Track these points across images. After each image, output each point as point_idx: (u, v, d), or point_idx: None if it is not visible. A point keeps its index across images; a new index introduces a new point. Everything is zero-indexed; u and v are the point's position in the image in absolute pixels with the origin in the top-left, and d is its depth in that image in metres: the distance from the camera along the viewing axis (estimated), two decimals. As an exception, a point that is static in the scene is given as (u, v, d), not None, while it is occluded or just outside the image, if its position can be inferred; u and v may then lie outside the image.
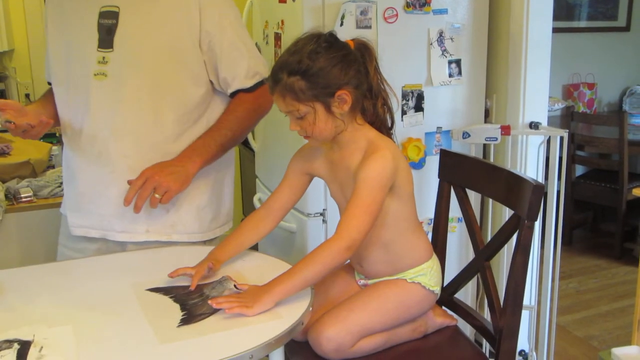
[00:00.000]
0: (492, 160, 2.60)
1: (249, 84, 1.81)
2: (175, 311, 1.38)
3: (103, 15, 1.73)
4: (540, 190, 1.52)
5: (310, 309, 1.40)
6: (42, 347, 1.21)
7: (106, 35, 1.71)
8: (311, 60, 1.46)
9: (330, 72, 1.47)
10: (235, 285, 1.46)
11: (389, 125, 1.63)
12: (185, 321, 1.34)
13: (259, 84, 1.82)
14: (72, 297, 1.48)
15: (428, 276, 1.67)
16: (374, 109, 1.58)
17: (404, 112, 2.42)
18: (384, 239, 1.64)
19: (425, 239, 1.72)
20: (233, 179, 1.98)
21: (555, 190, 2.46)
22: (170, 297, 1.45)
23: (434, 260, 1.71)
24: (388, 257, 1.66)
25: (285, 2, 2.40)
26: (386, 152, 1.52)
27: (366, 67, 1.54)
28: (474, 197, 2.26)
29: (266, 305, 1.37)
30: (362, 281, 1.73)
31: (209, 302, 1.38)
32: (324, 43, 1.49)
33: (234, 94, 1.83)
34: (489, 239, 2.20)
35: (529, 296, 2.61)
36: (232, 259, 1.65)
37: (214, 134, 1.80)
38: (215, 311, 1.37)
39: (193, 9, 1.73)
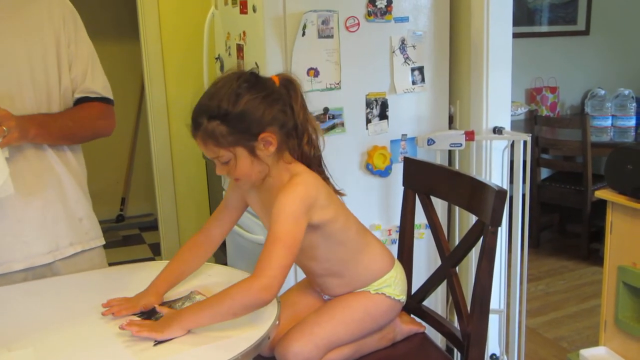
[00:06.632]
0: (457, 166, 2.61)
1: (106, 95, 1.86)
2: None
3: None
4: (502, 196, 1.52)
5: (277, 322, 1.39)
6: (0, 373, 1.18)
7: None
8: (231, 103, 1.39)
9: (252, 115, 1.40)
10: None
11: (318, 161, 1.57)
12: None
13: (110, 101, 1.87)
14: (33, 320, 1.44)
15: (392, 286, 1.66)
16: (300, 147, 1.51)
17: (368, 121, 2.42)
18: (333, 269, 1.62)
19: (381, 251, 1.69)
20: None
21: (520, 193, 2.48)
22: (138, 315, 1.43)
23: (397, 269, 1.70)
24: (345, 280, 1.65)
25: (246, 13, 2.39)
26: (298, 187, 1.45)
27: (291, 105, 1.48)
28: (440, 202, 2.27)
29: (175, 332, 1.32)
30: (327, 296, 1.72)
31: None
32: (244, 83, 1.42)
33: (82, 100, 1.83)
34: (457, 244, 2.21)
35: (498, 300, 2.62)
36: (200, 273, 1.63)
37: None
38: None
39: (57, 20, 1.75)
